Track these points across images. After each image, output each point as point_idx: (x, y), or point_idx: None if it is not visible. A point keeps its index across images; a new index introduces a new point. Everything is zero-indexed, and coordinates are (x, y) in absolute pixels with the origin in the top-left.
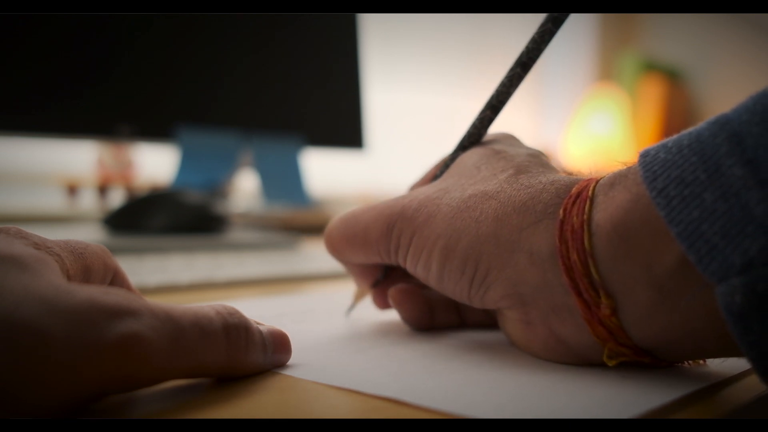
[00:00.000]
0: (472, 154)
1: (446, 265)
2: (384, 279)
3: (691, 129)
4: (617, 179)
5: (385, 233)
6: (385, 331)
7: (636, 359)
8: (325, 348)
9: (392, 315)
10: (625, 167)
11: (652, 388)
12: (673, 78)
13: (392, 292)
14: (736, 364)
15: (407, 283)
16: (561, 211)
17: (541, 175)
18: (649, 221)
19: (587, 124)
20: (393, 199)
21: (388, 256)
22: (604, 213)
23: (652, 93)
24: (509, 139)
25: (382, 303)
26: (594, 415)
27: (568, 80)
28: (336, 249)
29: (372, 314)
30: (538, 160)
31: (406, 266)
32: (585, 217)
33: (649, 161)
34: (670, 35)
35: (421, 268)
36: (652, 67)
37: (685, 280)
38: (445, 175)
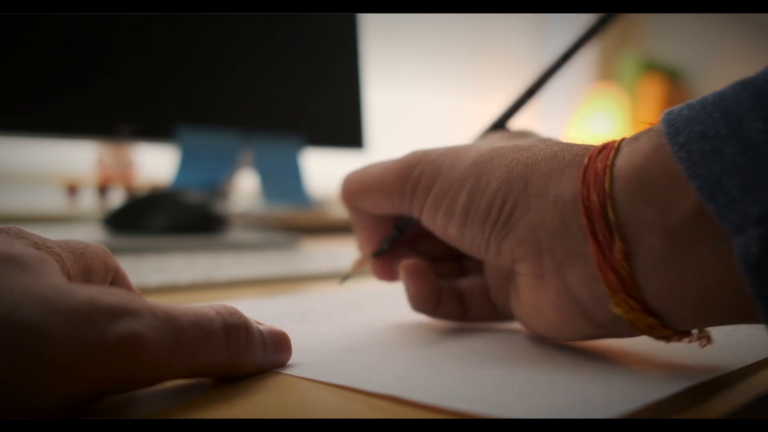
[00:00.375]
0: (499, 133)
1: (472, 207)
2: (388, 250)
3: (715, 90)
4: (641, 133)
5: (404, 174)
6: (385, 331)
7: (642, 316)
8: (326, 347)
9: (393, 315)
10: (649, 126)
11: (651, 384)
12: (673, 78)
13: (406, 263)
14: (735, 359)
15: (412, 261)
16: (586, 159)
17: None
18: (667, 169)
19: (587, 124)
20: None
21: (402, 199)
22: (626, 159)
23: (652, 93)
24: (530, 131)
25: (383, 273)
26: (594, 415)
27: (568, 80)
28: (349, 190)
29: (372, 314)
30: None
31: (422, 213)
32: (608, 162)
33: (672, 118)
34: (670, 35)
35: (442, 213)
36: (652, 67)
37: (699, 231)
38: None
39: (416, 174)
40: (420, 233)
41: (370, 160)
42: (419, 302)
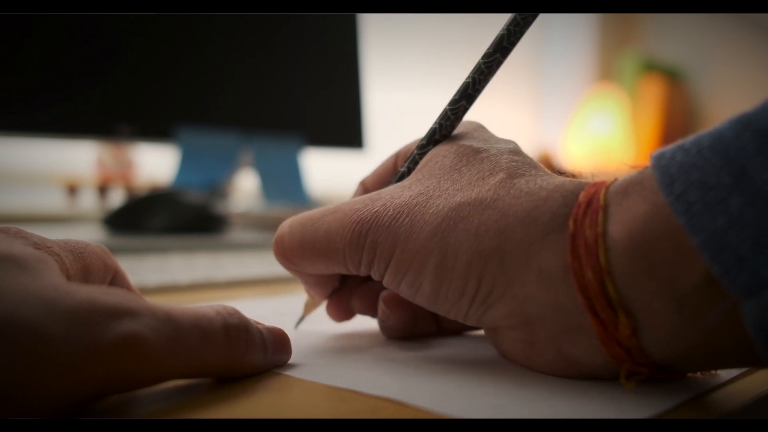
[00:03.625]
0: (446, 152)
1: (443, 284)
2: (340, 288)
3: (710, 129)
4: (630, 186)
5: (355, 243)
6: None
7: (652, 376)
8: (325, 348)
9: None
10: (636, 172)
11: (652, 394)
12: (673, 78)
13: (386, 296)
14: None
15: (370, 289)
16: (571, 223)
17: (538, 178)
18: (670, 234)
19: (587, 124)
20: (359, 201)
21: (356, 267)
22: (619, 225)
23: (652, 93)
24: (479, 131)
25: (339, 315)
26: (595, 416)
27: (568, 80)
28: (289, 259)
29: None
30: (522, 158)
31: (382, 281)
32: (599, 230)
33: (665, 164)
34: (670, 35)
35: (407, 285)
36: (652, 67)
37: (713, 300)
38: (416, 176)
39: (370, 244)
40: None
41: (370, 159)
42: (398, 332)
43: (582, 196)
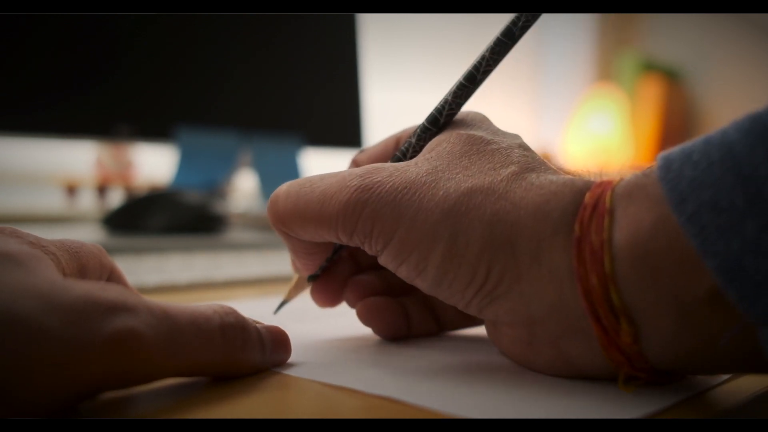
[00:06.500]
0: (456, 140)
1: (450, 271)
2: (327, 269)
3: (718, 135)
4: (635, 190)
5: (351, 210)
6: None
7: (650, 380)
8: (325, 347)
9: None
10: (641, 173)
11: (650, 392)
12: (672, 78)
13: (360, 309)
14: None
15: (362, 283)
16: (577, 227)
17: (548, 173)
18: (674, 247)
19: (587, 124)
20: (361, 168)
21: (348, 236)
22: (625, 233)
23: (652, 93)
24: (485, 123)
25: (324, 299)
26: (592, 416)
27: (567, 80)
28: (282, 220)
29: None
30: (531, 154)
31: (379, 257)
32: (605, 236)
33: (672, 178)
34: (670, 35)
35: (409, 267)
36: (651, 67)
37: (717, 312)
38: (423, 156)
39: (369, 214)
40: None
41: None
42: (387, 335)
43: (588, 197)
